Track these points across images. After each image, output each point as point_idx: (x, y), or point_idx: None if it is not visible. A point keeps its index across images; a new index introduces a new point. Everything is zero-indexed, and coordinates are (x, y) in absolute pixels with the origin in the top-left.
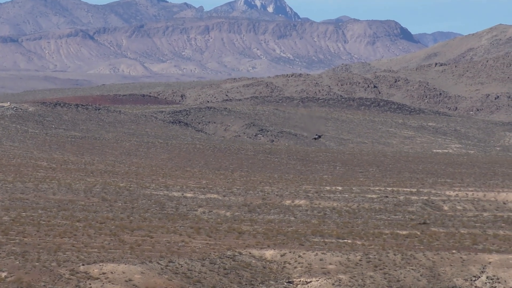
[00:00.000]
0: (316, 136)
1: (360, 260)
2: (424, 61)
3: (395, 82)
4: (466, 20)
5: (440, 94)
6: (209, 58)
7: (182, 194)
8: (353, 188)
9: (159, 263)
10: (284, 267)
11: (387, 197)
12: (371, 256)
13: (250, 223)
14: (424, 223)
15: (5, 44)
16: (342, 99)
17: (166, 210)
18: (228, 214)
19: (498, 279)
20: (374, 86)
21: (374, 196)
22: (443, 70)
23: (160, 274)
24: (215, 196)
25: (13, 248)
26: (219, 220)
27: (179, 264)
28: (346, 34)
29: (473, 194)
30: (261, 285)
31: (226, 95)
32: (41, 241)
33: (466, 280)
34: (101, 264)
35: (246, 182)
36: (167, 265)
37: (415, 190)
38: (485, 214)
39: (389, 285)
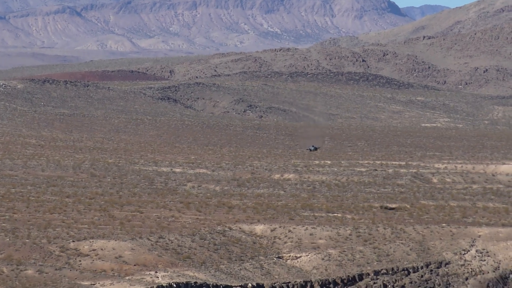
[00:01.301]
0: (312, 148)
1: (350, 235)
2: (412, 34)
3: (383, 56)
4: None
5: (429, 67)
6: (196, 33)
7: (171, 169)
8: (342, 162)
9: (149, 239)
10: (274, 242)
11: (376, 170)
12: (361, 231)
13: (239, 197)
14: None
15: None
16: (331, 74)
17: (155, 185)
18: (217, 188)
19: (487, 252)
20: (363, 60)
21: (363, 169)
22: (431, 44)
23: (150, 250)
24: (204, 171)
25: (3, 224)
26: (208, 194)
27: (169, 240)
28: (334, 8)
29: (462, 166)
30: (251, 260)
31: (215, 71)
32: (31, 217)
33: (455, 253)
34: (91, 240)
35: (235, 157)
36: (157, 241)
37: (404, 163)
38: (474, 186)
39: (379, 259)
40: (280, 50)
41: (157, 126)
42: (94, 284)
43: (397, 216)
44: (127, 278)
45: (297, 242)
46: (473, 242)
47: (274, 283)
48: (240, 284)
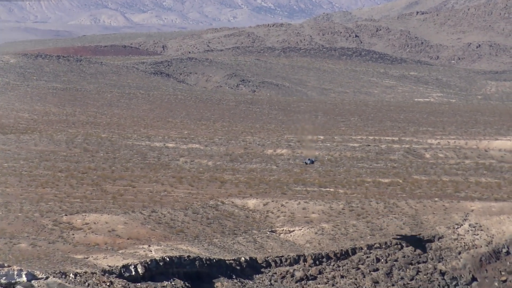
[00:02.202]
0: (308, 162)
1: (342, 209)
2: (405, 9)
3: (376, 31)
4: None
5: (422, 43)
6: (190, 8)
7: (164, 144)
8: (335, 137)
9: (142, 213)
10: (267, 216)
11: (369, 145)
12: (353, 205)
13: (232, 172)
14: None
15: None
16: (324, 49)
17: (148, 160)
18: (210, 163)
19: (480, 226)
20: (356, 36)
21: (356, 145)
22: (424, 19)
23: (143, 224)
24: (197, 146)
25: None
26: (201, 169)
27: (162, 214)
28: None
29: (454, 142)
30: (244, 234)
31: (208, 46)
32: (23, 191)
33: (448, 228)
34: (84, 214)
35: (227, 132)
36: (150, 215)
37: (397, 138)
38: (467, 161)
39: (372, 233)
40: (273, 26)
41: (150, 101)
42: (87, 258)
43: (389, 190)
44: (120, 251)
45: (290, 216)
46: (466, 216)
47: (267, 257)
48: (233, 258)
